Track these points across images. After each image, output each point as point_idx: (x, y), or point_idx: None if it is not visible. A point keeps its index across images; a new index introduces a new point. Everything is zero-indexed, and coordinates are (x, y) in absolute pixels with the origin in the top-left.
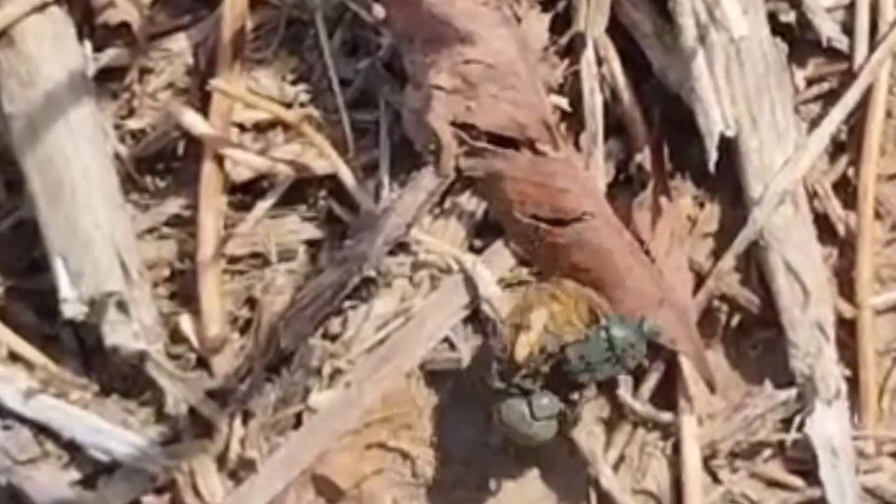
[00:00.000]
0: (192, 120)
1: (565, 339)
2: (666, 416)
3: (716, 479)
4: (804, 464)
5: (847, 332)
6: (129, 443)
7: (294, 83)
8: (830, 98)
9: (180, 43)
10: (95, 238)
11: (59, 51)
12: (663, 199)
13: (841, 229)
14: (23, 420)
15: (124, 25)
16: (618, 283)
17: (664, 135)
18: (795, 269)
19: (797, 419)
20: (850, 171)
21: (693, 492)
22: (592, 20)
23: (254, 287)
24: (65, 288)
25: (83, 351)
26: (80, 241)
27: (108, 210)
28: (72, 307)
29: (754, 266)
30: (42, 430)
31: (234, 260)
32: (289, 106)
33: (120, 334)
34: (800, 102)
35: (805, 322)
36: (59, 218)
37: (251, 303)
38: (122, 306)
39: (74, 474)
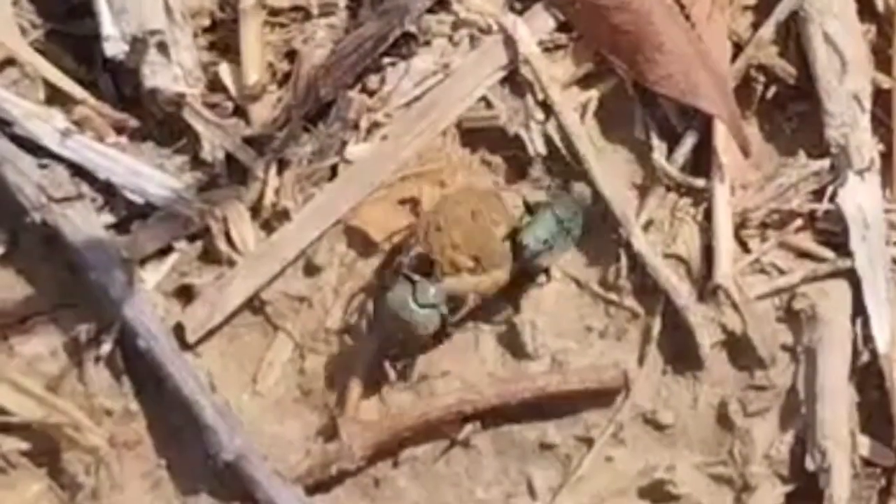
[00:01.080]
0: None
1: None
2: (699, 182)
3: (745, 248)
4: (835, 236)
5: (883, 110)
6: (165, 185)
7: None
8: None
9: None
10: None
11: None
12: None
13: (880, 6)
14: (59, 159)
15: None
16: (656, 46)
17: None
18: (834, 40)
19: (829, 190)
20: None
21: (723, 259)
22: None
23: (294, 40)
24: (107, 25)
25: (121, 99)
26: None
27: None
28: (113, 45)
29: (793, 39)
30: (78, 172)
31: (275, 12)
32: None
33: (160, 77)
34: None
35: (842, 92)
36: None
37: (291, 56)
38: (162, 48)
39: (108, 217)
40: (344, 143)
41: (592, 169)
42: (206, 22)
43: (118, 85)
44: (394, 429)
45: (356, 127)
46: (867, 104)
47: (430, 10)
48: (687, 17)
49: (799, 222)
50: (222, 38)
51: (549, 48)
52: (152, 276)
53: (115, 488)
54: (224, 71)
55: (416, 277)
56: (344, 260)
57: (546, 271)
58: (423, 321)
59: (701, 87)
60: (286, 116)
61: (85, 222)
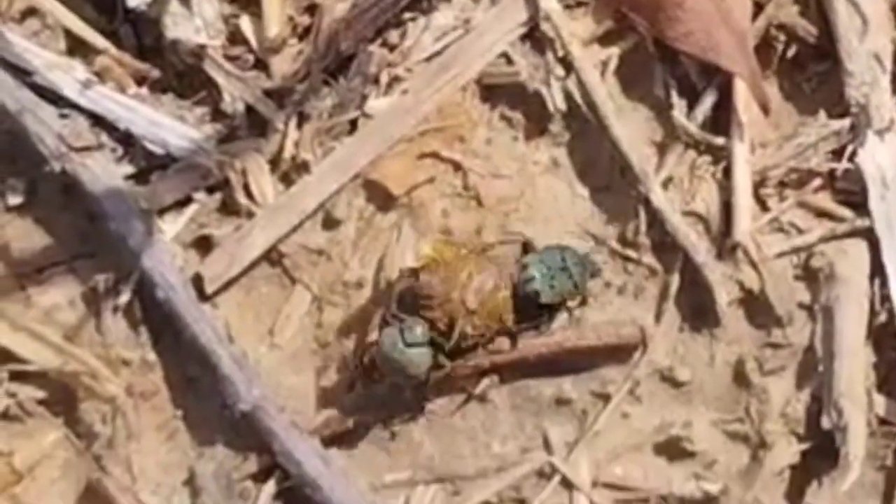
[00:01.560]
0: None
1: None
2: (718, 140)
3: (764, 207)
4: (853, 195)
5: None
6: (185, 136)
7: None
8: None
9: None
10: None
11: None
12: None
13: None
14: (80, 109)
15: None
16: (677, 4)
17: None
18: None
19: (849, 149)
20: None
21: (741, 217)
22: None
23: None
24: None
25: (141, 50)
26: None
27: None
28: None
29: None
30: (98, 122)
31: None
32: None
33: (181, 28)
34: None
35: (862, 52)
36: None
37: (311, 10)
38: None
39: (128, 168)
40: (364, 98)
41: (612, 126)
42: None
43: (139, 36)
44: None
45: (376, 81)
46: (888, 64)
47: None
48: None
49: (818, 181)
50: None
51: (569, 5)
52: (171, 227)
53: (132, 438)
54: (245, 23)
55: (404, 318)
56: (363, 214)
57: (549, 314)
58: (415, 360)
59: (722, 44)
60: (306, 70)
61: (104, 172)
